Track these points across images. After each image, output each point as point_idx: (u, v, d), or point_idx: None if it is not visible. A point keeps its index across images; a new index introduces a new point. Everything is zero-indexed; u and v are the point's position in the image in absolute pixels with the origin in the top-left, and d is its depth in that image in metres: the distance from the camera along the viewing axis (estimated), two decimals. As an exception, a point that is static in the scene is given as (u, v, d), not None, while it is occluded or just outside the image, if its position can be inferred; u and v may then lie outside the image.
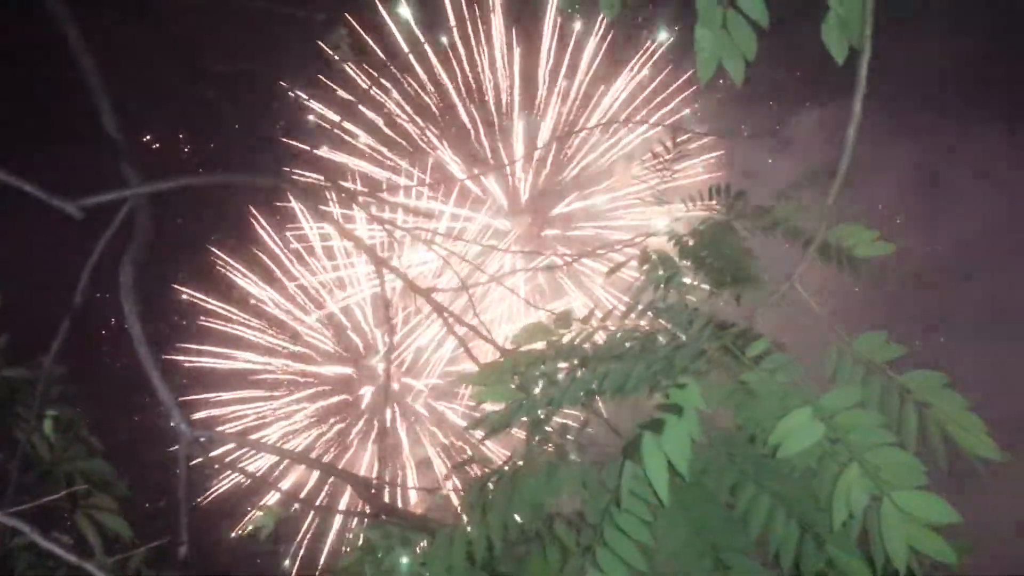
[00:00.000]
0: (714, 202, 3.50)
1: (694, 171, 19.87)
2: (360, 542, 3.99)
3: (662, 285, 2.96)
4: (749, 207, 3.25)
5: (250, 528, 4.13)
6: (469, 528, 2.51)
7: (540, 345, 2.49)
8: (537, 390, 2.38)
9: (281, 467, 19.37)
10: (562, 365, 2.44)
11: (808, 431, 1.96)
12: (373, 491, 4.69)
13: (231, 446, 16.94)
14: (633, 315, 2.64)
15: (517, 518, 2.42)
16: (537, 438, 2.48)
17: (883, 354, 2.22)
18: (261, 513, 4.90)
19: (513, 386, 2.38)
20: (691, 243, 3.10)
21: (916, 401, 2.14)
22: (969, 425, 2.06)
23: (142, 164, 4.84)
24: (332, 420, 21.26)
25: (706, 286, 2.94)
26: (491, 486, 2.50)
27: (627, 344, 2.44)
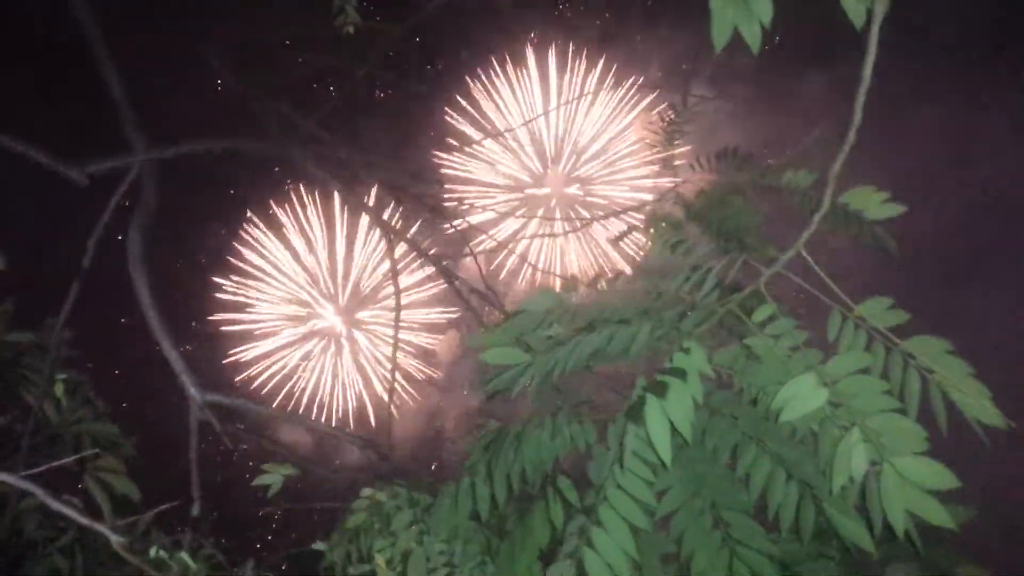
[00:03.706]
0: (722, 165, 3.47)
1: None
2: (368, 503, 4.04)
3: (671, 248, 2.95)
4: (758, 171, 3.23)
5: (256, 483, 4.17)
6: (474, 484, 2.53)
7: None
8: (542, 353, 2.38)
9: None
10: (568, 328, 2.45)
11: (811, 396, 1.97)
12: (382, 453, 4.75)
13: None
14: (641, 278, 2.64)
15: (521, 475, 2.44)
16: (542, 398, 2.49)
17: (886, 320, 2.22)
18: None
19: (519, 348, 2.39)
20: (699, 207, 3.09)
21: (919, 367, 2.14)
22: (973, 392, 2.06)
23: (149, 131, 4.83)
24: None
25: (713, 249, 2.93)
26: (497, 444, 2.52)
27: (634, 307, 2.44)
